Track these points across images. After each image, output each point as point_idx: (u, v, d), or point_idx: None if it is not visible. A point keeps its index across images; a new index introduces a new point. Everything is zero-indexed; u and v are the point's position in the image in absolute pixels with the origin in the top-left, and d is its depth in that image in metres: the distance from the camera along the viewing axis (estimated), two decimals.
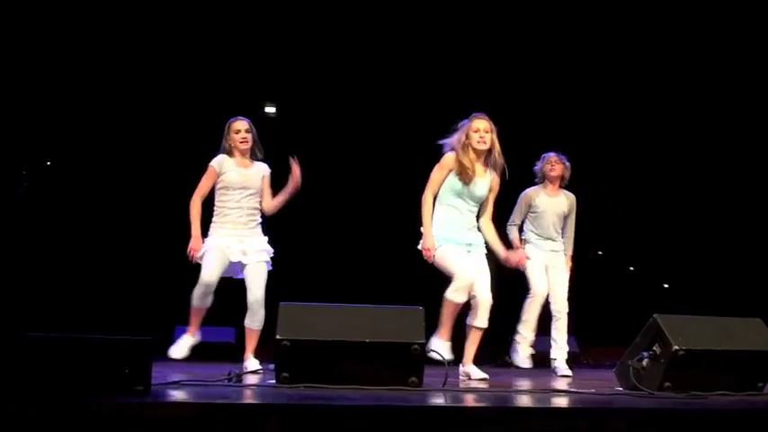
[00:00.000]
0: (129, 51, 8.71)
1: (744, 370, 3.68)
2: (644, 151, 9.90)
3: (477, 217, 5.03)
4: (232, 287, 5.08)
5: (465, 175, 4.86)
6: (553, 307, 6.05)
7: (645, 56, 9.16)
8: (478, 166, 4.93)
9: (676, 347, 3.53)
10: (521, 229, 6.17)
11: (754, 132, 9.38)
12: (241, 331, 7.99)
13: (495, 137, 4.91)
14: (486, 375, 4.83)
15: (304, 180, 5.21)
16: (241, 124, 5.24)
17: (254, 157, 5.29)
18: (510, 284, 5.27)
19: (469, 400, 3.06)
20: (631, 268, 10.88)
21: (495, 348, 6.28)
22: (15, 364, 2.65)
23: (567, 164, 6.09)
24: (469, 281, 4.75)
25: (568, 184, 6.16)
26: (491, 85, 8.71)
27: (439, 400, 3.01)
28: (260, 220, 5.30)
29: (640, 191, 10.05)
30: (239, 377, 3.63)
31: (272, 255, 5.24)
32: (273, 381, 3.58)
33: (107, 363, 2.77)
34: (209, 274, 4.99)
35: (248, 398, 2.87)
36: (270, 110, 10.16)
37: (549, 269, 6.09)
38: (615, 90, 9.48)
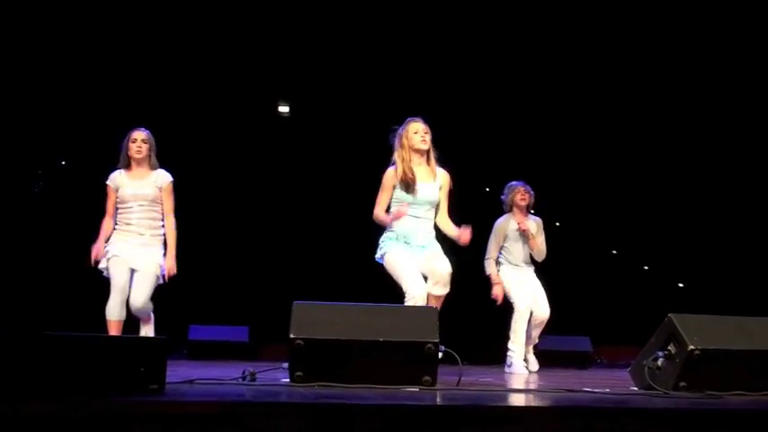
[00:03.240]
0: (143, 52, 8.74)
1: (760, 370, 3.64)
2: (658, 147, 9.85)
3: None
4: (245, 286, 5.08)
5: (408, 184, 4.86)
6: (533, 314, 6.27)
7: (662, 49, 9.11)
8: (420, 170, 4.93)
9: (692, 347, 3.50)
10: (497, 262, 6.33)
11: None
12: (255, 330, 8.01)
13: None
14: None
15: (314, 181, 5.22)
16: (138, 134, 5.36)
17: (150, 167, 5.37)
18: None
19: (483, 400, 3.05)
20: (646, 267, 10.82)
21: (499, 351, 6.37)
22: (31, 363, 2.66)
23: (533, 192, 6.33)
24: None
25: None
26: (489, 92, 8.70)
27: (453, 400, 3.01)
28: (161, 231, 5.35)
29: (655, 189, 9.99)
30: (254, 376, 3.63)
31: (163, 272, 5.28)
32: (288, 380, 3.59)
33: (122, 361, 2.78)
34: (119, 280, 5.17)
35: (262, 397, 2.88)
36: (283, 109, 10.14)
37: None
38: (628, 84, 9.43)
